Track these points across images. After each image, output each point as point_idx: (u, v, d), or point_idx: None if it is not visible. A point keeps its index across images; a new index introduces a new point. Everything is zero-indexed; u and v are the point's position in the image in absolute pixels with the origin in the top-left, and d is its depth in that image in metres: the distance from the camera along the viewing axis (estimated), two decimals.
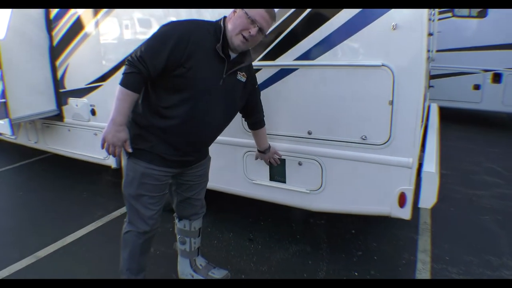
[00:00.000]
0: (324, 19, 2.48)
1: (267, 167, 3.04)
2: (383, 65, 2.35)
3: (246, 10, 2.02)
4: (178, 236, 2.75)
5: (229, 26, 2.07)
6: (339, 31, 2.44)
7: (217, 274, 2.80)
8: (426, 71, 2.76)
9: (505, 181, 4.76)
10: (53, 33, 4.14)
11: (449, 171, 5.00)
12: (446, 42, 6.78)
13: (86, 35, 3.83)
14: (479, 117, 8.04)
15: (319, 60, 2.56)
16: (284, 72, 2.68)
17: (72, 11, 3.87)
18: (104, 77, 3.77)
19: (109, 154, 2.06)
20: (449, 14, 7.16)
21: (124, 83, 1.99)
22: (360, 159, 2.58)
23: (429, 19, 2.66)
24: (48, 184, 4.98)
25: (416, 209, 2.63)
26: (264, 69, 2.76)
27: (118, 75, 3.59)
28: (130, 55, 1.99)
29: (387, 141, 2.45)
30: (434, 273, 2.94)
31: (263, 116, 2.62)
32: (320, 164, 2.76)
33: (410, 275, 2.93)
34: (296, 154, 2.84)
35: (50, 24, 4.13)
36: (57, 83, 4.27)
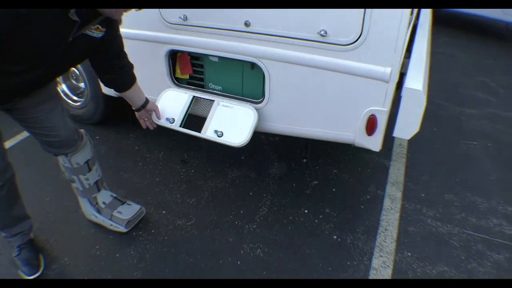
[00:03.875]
0: None
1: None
2: None
3: None
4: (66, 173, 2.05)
5: None
6: None
7: (125, 213, 2.16)
8: None
9: (498, 99, 4.06)
10: None
11: (436, 82, 4.22)
12: None
13: None
14: (475, 24, 7.08)
15: None
16: None
17: None
18: None
19: None
20: None
21: None
22: (316, 65, 1.78)
23: None
24: None
25: (389, 136, 1.94)
26: None
27: None
28: None
29: (357, 41, 1.63)
30: (404, 215, 2.35)
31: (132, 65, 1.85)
32: (262, 69, 1.96)
33: (373, 215, 2.33)
34: (230, 54, 2.01)
35: None
36: None
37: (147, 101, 2.02)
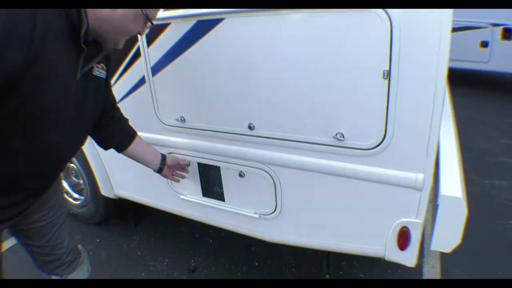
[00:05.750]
0: None
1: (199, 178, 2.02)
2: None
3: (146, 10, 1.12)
4: None
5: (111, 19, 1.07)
6: None
7: None
8: None
9: None
10: None
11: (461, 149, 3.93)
12: None
13: None
14: (487, 80, 6.89)
15: None
16: (203, 26, 1.59)
17: None
18: None
19: None
20: None
21: None
22: (334, 172, 1.54)
23: None
24: None
25: None
26: (173, 24, 1.66)
27: None
28: None
29: (379, 145, 1.41)
30: None
31: (127, 119, 1.61)
32: (271, 176, 1.72)
33: None
34: (234, 160, 1.79)
35: None
36: None
37: (164, 156, 1.70)
